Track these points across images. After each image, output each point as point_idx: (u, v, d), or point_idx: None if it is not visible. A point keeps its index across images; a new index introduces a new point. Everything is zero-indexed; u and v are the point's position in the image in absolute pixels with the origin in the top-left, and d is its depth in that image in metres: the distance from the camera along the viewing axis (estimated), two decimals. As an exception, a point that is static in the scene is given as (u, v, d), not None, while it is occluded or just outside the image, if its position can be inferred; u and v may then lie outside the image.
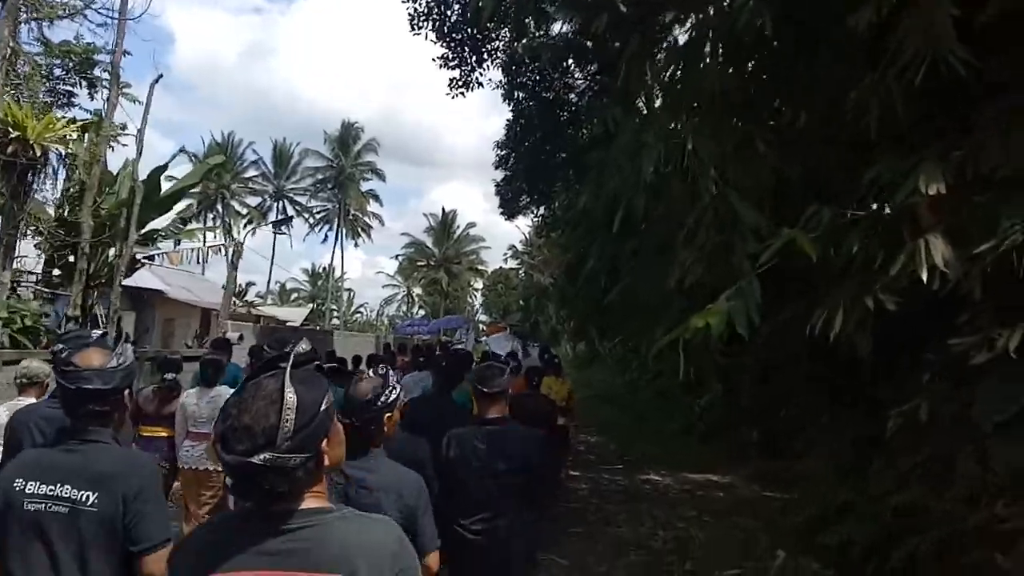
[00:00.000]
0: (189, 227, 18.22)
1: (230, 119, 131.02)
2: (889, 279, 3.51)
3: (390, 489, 2.33)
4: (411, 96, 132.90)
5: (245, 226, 48.51)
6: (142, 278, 27.73)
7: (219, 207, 46.32)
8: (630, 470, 9.83)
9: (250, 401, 1.22)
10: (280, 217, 45.03)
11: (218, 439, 1.21)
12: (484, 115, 61.30)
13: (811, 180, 5.01)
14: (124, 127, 12.07)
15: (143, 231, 12.63)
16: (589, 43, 11.36)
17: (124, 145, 12.77)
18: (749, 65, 5.33)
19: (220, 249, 17.70)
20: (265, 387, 1.24)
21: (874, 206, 4.36)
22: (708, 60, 4.96)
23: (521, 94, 13.62)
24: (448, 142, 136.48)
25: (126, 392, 2.14)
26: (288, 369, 1.25)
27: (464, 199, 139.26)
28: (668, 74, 5.43)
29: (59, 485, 1.93)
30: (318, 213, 50.91)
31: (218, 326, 18.91)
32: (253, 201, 49.28)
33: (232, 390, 1.64)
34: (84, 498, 1.92)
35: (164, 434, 5.23)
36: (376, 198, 52.46)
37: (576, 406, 9.91)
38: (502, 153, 17.86)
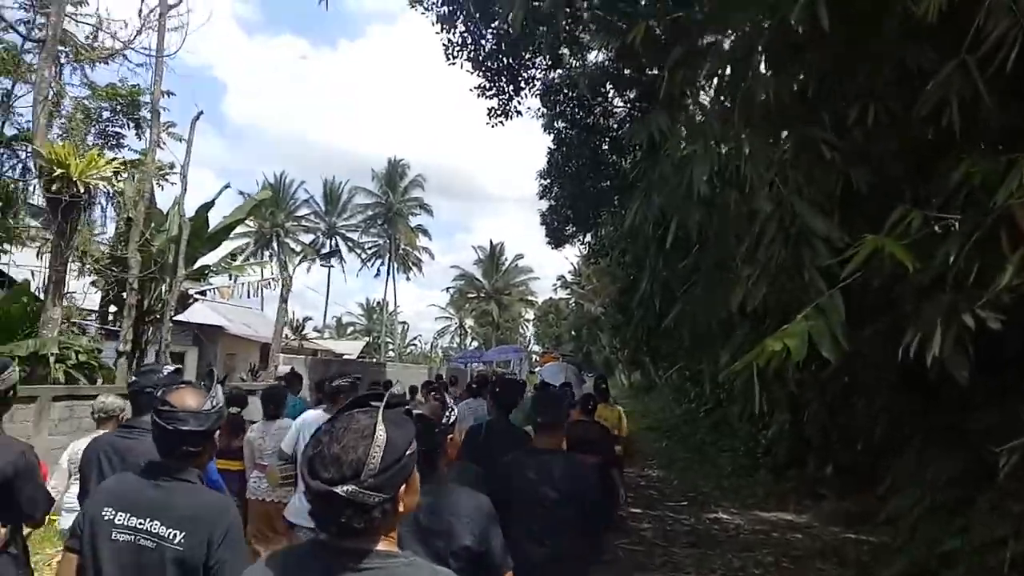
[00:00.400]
0: (239, 262, 18.54)
1: (281, 163, 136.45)
2: (992, 293, 3.01)
3: (461, 513, 2.31)
4: (453, 131, 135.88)
5: (299, 263, 49.96)
6: (203, 314, 28.58)
7: (274, 245, 47.75)
8: (695, 508, 9.17)
9: (341, 432, 1.26)
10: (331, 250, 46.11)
11: (305, 464, 1.25)
12: (526, 146, 61.56)
13: (883, 185, 4.52)
14: (172, 166, 12.42)
15: (194, 267, 12.86)
16: (627, 70, 11.18)
17: (172, 184, 13.13)
18: (804, 64, 4.90)
19: (270, 284, 17.93)
20: (358, 421, 1.28)
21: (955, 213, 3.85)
22: (759, 62, 4.57)
23: (561, 123, 13.43)
24: (492, 175, 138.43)
25: (216, 432, 2.21)
26: (382, 408, 1.30)
27: (511, 231, 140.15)
28: (717, 79, 5.04)
29: (148, 520, 1.98)
30: (370, 248, 51.95)
31: (271, 360, 19.17)
32: (307, 239, 50.71)
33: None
34: (172, 536, 1.97)
35: (236, 468, 5.34)
36: (425, 232, 53.32)
37: (634, 436, 9.45)
38: (545, 182, 17.67)
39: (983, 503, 4.26)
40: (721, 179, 4.23)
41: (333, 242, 50.78)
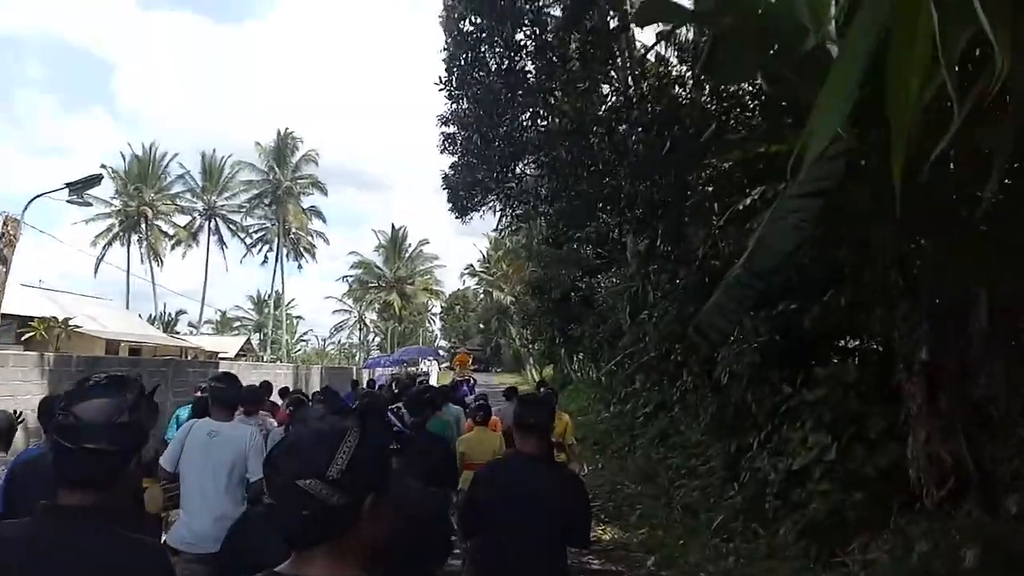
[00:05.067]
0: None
1: (172, 145, 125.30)
2: None
3: None
4: (363, 118, 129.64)
5: (172, 247, 44.01)
6: (34, 304, 23.50)
7: (142, 226, 41.62)
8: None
9: (313, 430, 1.28)
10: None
11: (268, 461, 1.24)
12: (438, 135, 57.37)
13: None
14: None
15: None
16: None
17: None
18: None
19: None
20: (330, 421, 1.33)
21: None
22: None
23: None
24: (401, 164, 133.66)
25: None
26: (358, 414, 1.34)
27: (422, 223, 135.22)
28: None
29: None
30: (255, 232, 46.54)
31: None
32: (182, 221, 44.71)
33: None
34: None
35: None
36: (319, 215, 48.38)
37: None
38: (448, 131, 14.37)
39: None
40: None
41: (212, 224, 45.03)
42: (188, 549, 3.48)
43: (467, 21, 9.41)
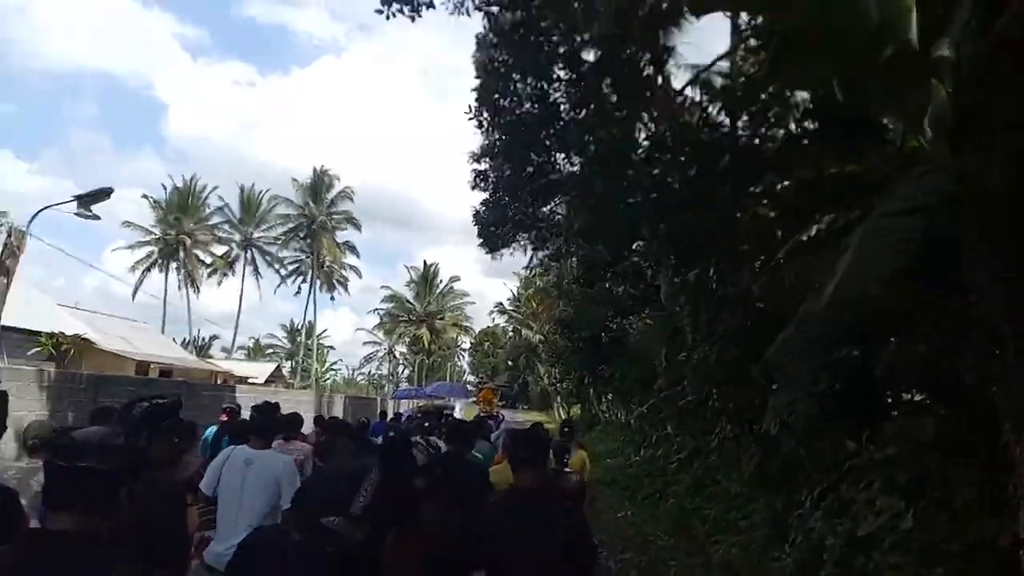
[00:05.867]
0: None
1: (220, 183, 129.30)
2: None
3: None
4: (400, 159, 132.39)
5: (209, 275, 44.85)
6: (64, 322, 23.89)
7: (180, 255, 42.53)
8: None
9: (336, 469, 1.65)
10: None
11: (295, 500, 1.42)
12: (470, 172, 57.66)
13: None
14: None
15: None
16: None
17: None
18: None
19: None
20: (353, 460, 1.74)
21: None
22: None
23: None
24: (438, 206, 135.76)
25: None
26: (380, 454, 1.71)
27: (456, 263, 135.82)
28: None
29: None
30: (290, 264, 47.11)
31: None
32: (220, 250, 45.58)
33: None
34: None
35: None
36: (352, 250, 48.78)
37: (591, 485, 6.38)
38: (480, 168, 14.26)
39: None
40: None
41: (249, 254, 45.79)
42: (220, 568, 3.59)
43: (500, 50, 9.26)
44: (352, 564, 1.22)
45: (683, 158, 6.73)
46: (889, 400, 5.26)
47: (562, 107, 9.38)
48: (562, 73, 9.15)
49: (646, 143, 8.51)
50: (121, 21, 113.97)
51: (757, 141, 6.55)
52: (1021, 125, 2.93)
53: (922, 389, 4.98)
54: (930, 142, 3.70)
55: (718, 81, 8.88)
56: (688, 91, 9.62)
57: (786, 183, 4.95)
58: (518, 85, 9.24)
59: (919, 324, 4.64)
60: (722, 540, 7.10)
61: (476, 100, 9.69)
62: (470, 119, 9.87)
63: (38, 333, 22.46)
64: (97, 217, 11.94)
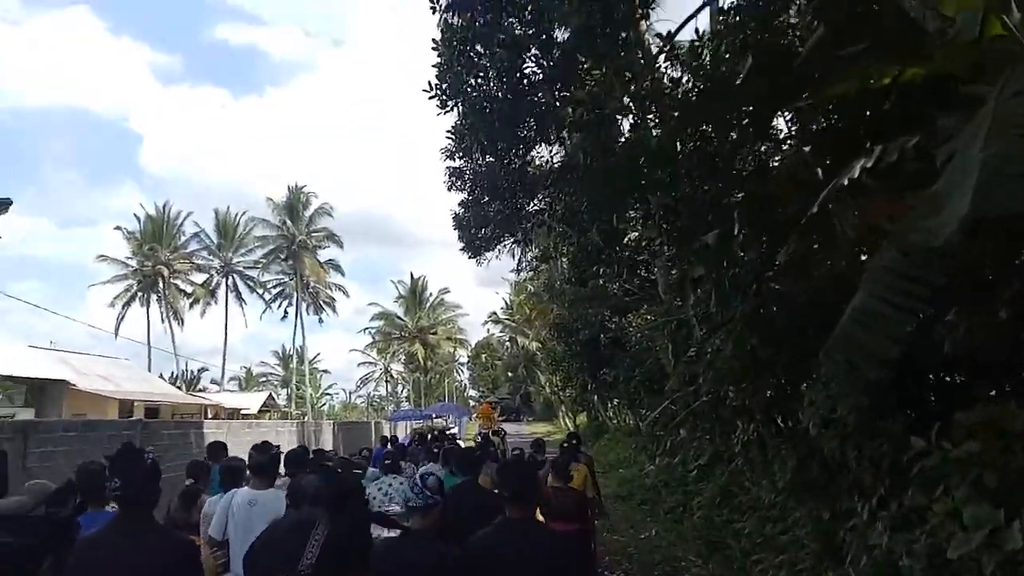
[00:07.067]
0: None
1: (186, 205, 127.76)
2: None
3: None
4: (379, 177, 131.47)
5: (191, 305, 43.57)
6: (42, 366, 22.69)
7: (160, 286, 41.27)
8: None
9: (286, 524, 1.54)
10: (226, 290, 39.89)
11: (247, 558, 1.48)
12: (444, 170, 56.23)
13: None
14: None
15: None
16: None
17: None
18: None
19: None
20: (303, 513, 1.55)
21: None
22: None
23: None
24: (422, 221, 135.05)
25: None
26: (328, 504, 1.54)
27: (438, 272, 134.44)
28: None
29: None
30: (274, 288, 45.87)
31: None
32: (199, 279, 44.30)
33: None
34: None
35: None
36: (337, 268, 47.59)
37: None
38: (454, 165, 13.25)
39: None
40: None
41: (230, 280, 44.53)
42: None
43: (455, 14, 8.21)
44: None
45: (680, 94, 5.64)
46: (962, 384, 4.26)
47: (536, 78, 8.31)
48: (531, 38, 8.09)
49: (628, 101, 7.46)
50: (93, 52, 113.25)
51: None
52: None
53: (1005, 370, 3.96)
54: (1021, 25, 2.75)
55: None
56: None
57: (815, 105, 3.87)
58: (480, 55, 8.20)
59: (998, 285, 3.67)
60: (763, 559, 6.03)
61: (436, 76, 8.61)
62: (430, 98, 8.79)
63: (10, 378, 21.37)
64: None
